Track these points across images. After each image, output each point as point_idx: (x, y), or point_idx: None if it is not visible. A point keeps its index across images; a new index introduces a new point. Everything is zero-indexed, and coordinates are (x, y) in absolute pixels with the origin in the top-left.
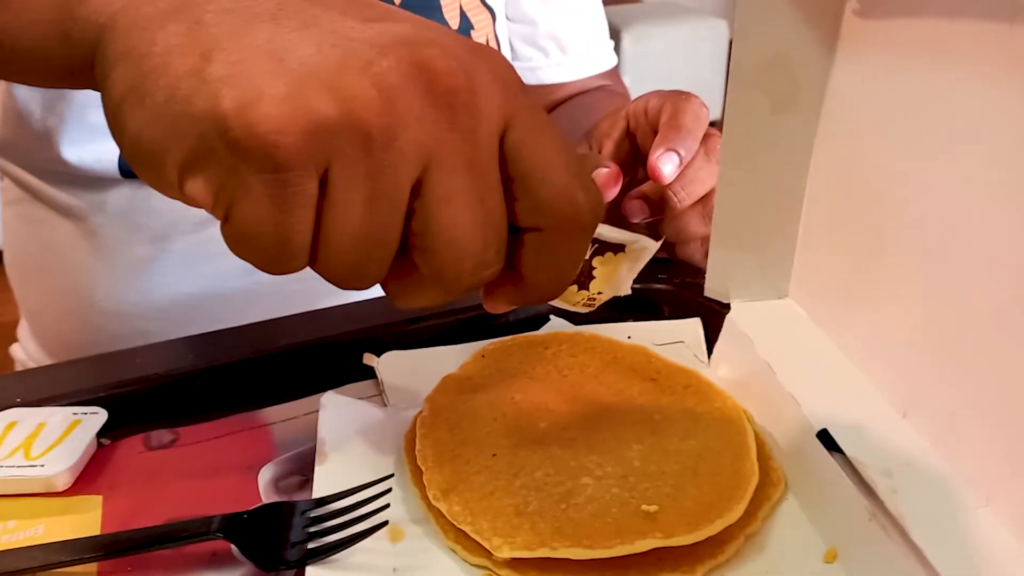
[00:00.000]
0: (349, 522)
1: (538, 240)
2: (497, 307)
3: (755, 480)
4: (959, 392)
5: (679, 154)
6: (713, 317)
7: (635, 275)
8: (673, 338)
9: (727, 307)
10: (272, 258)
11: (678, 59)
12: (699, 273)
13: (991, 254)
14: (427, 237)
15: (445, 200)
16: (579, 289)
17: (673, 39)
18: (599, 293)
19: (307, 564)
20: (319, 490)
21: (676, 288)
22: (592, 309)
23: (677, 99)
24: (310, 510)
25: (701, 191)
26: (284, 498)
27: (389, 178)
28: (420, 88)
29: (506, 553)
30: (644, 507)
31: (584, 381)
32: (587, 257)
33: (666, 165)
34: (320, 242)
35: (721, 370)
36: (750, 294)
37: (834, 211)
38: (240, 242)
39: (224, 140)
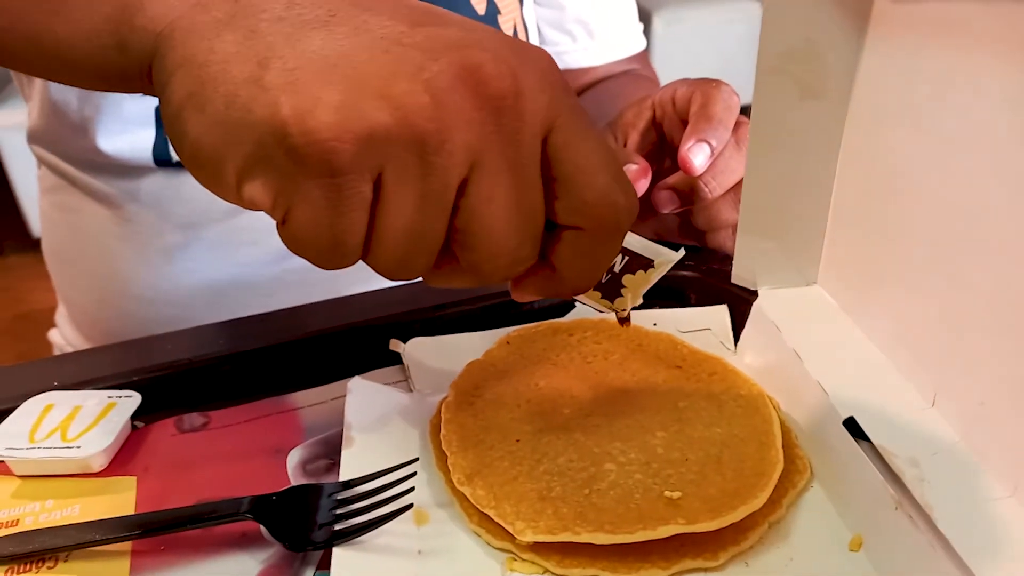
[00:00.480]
0: (375, 505)
1: (575, 238)
2: (524, 296)
3: (780, 467)
4: (987, 381)
5: (711, 144)
6: (740, 304)
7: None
8: (699, 325)
9: (754, 294)
10: (327, 256)
11: (709, 42)
12: (726, 260)
13: (1020, 241)
14: (469, 234)
15: (488, 200)
16: (604, 298)
17: (705, 22)
18: (624, 310)
19: (334, 545)
20: (346, 473)
21: (703, 275)
22: (616, 315)
23: (707, 87)
24: (337, 492)
25: (732, 180)
26: (312, 481)
27: (439, 179)
28: (469, 92)
29: (529, 537)
30: (667, 493)
31: (608, 368)
32: (616, 270)
33: (697, 156)
34: (372, 240)
35: (748, 357)
36: (778, 281)
37: (863, 198)
38: (298, 243)
39: (283, 146)
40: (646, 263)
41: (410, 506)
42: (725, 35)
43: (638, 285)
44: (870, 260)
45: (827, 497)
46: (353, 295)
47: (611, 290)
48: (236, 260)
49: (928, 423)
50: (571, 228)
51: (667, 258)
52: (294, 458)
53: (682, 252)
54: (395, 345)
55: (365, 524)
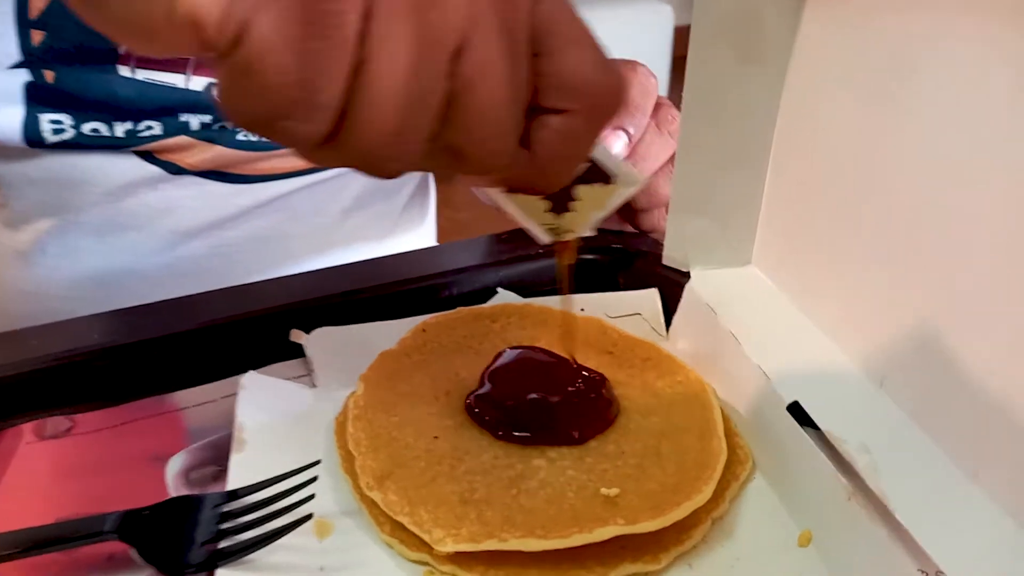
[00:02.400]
0: (267, 516)
1: (560, 122)
2: (497, 193)
3: (723, 458)
4: (939, 361)
5: (627, 132)
6: (671, 287)
7: (605, 216)
8: (629, 310)
9: (686, 276)
10: (288, 103)
11: (620, 45)
12: (656, 243)
13: (971, 214)
14: (462, 109)
15: (484, 69)
16: (551, 211)
17: (614, 24)
18: (570, 231)
19: (217, 567)
20: (234, 481)
21: (632, 257)
22: (556, 240)
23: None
24: (222, 504)
25: (654, 166)
26: (195, 491)
27: (437, 31)
28: None
29: (449, 547)
30: (603, 491)
31: None
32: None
33: (614, 145)
34: (359, 95)
35: (681, 343)
36: (711, 261)
37: (801, 173)
38: (253, 76)
39: None
40: (605, 177)
41: (309, 516)
42: (636, 37)
43: (593, 202)
44: (810, 238)
45: (771, 489)
46: (250, 283)
47: (560, 201)
48: (120, 247)
49: (878, 406)
50: (555, 112)
51: (630, 177)
52: (175, 466)
53: (646, 177)
54: (296, 336)
55: (255, 540)
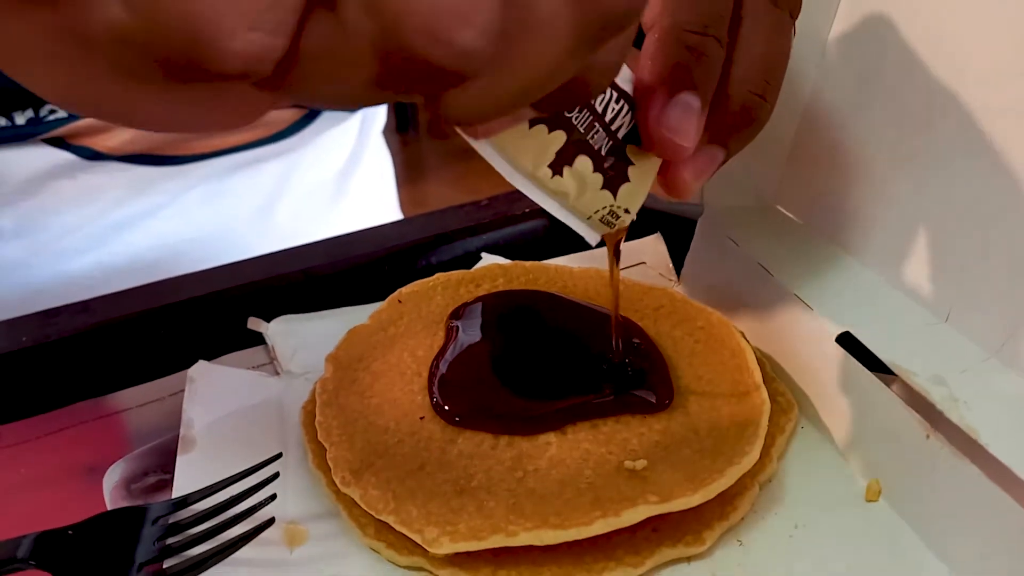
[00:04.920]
0: (221, 526)
1: None
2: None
3: (767, 411)
4: (1016, 290)
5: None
6: (677, 232)
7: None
8: (632, 260)
9: (692, 221)
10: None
11: None
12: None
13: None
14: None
15: None
16: (604, 189)
17: None
18: (626, 211)
19: None
20: (181, 487)
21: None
22: (612, 232)
23: None
24: (166, 516)
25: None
26: (136, 503)
27: None
28: None
29: (446, 547)
30: (628, 464)
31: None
32: (616, 130)
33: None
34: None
35: (697, 285)
36: (729, 198)
37: (840, 98)
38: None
39: None
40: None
41: (271, 521)
42: None
43: (648, 170)
44: (845, 173)
45: (824, 439)
46: (197, 271)
47: (616, 172)
48: (45, 247)
49: (946, 339)
50: None
51: None
52: (114, 476)
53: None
54: (255, 324)
55: (208, 555)
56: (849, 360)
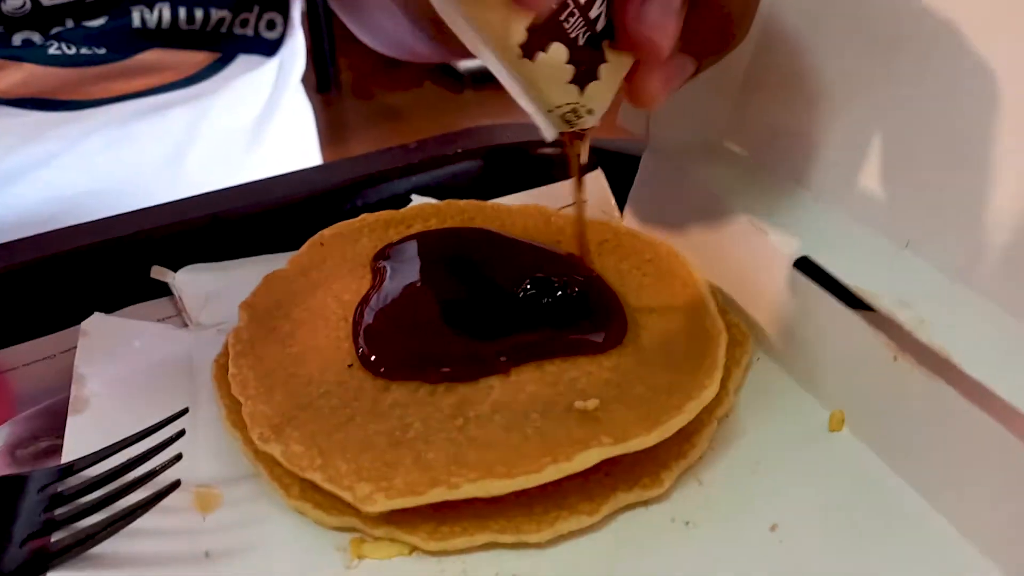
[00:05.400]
0: (116, 493)
1: None
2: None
3: (724, 341)
4: (979, 213)
5: None
6: (617, 169)
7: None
8: (571, 198)
9: (632, 157)
10: None
11: None
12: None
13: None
14: None
15: None
16: (572, 83)
17: None
18: (590, 112)
19: (48, 569)
20: (71, 452)
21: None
22: (571, 131)
23: None
24: (52, 484)
25: None
26: (23, 471)
27: None
28: None
29: (380, 504)
30: (578, 404)
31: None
32: (594, 21)
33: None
34: None
35: (642, 219)
36: (677, 131)
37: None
38: None
39: None
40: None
41: (176, 484)
42: None
43: (618, 69)
44: (799, 110)
45: (782, 370)
46: (94, 220)
47: (588, 66)
48: None
49: (907, 264)
50: None
51: None
52: None
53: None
54: (159, 273)
55: (100, 526)
56: (809, 285)
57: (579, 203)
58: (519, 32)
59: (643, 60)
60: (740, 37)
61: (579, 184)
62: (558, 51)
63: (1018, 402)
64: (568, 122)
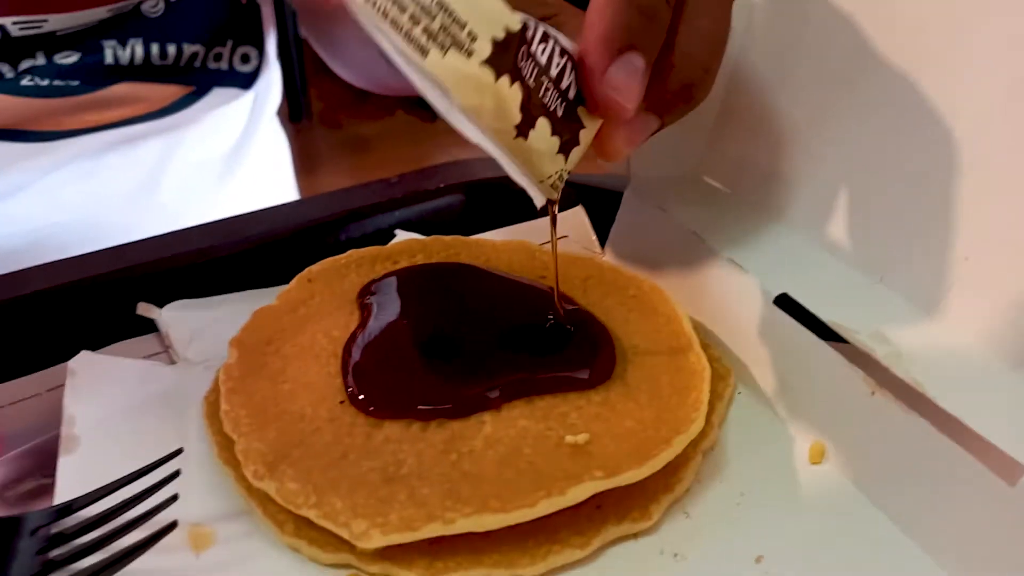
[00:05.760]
0: (113, 534)
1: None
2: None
3: (708, 375)
4: (945, 249)
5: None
6: (598, 205)
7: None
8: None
9: (613, 193)
10: None
11: None
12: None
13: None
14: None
15: None
16: (560, 153)
17: None
18: (568, 173)
19: None
20: (64, 492)
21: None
22: (557, 197)
23: None
24: (48, 525)
25: None
26: (12, 513)
27: None
28: None
29: (376, 540)
30: (569, 439)
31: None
32: (556, 107)
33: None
34: None
35: (624, 255)
36: (655, 167)
37: (767, 70)
38: None
39: None
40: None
41: (174, 525)
42: None
43: (591, 134)
44: (772, 142)
45: (762, 404)
46: (73, 256)
47: (570, 136)
48: None
49: (883, 297)
50: None
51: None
52: None
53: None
54: (145, 310)
55: (99, 567)
56: (788, 321)
57: (554, 242)
58: (515, 115)
59: (609, 120)
60: (700, 98)
61: (554, 227)
62: (544, 126)
63: (991, 435)
64: (555, 188)
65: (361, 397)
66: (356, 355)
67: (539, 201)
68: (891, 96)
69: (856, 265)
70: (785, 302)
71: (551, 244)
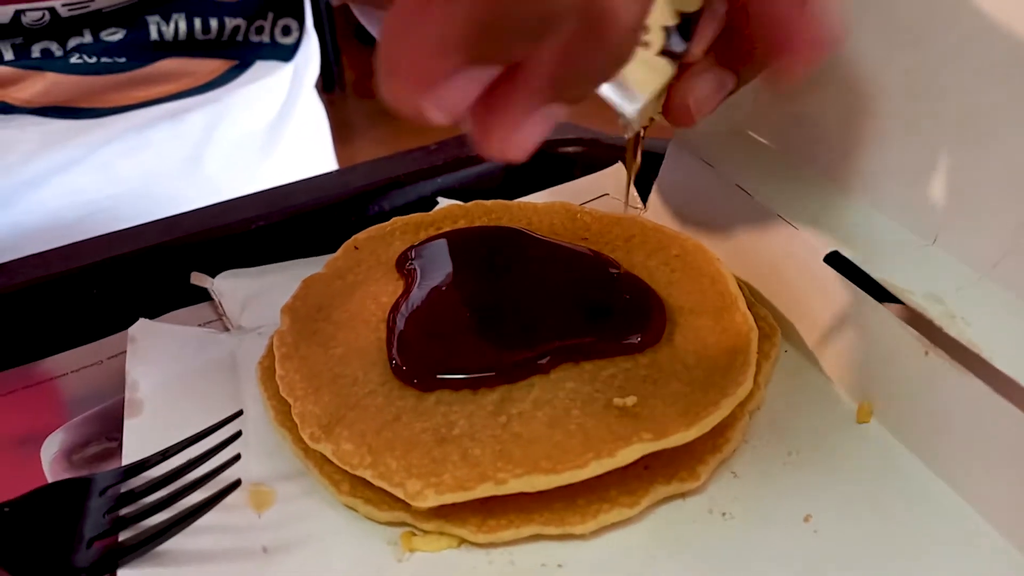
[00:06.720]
0: (179, 492)
1: None
2: None
3: (755, 336)
4: (1010, 208)
5: None
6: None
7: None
8: (594, 192)
9: (657, 155)
10: None
11: None
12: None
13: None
14: None
15: None
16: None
17: None
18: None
19: (118, 568)
20: (131, 454)
21: (587, 148)
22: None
23: None
24: (117, 484)
25: None
26: (80, 475)
27: None
28: None
29: (431, 500)
30: (617, 401)
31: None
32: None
33: None
34: None
35: (667, 212)
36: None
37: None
38: None
39: None
40: None
41: (238, 483)
42: None
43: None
44: (824, 99)
45: (809, 364)
46: (128, 227)
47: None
48: None
49: (937, 259)
50: None
51: None
52: (52, 447)
53: None
54: (199, 279)
55: (166, 525)
56: (840, 280)
57: (631, 174)
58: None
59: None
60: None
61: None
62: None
63: None
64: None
65: (405, 369)
66: (400, 325)
67: (637, 124)
68: (956, 54)
69: (909, 226)
70: (835, 260)
71: (627, 178)
